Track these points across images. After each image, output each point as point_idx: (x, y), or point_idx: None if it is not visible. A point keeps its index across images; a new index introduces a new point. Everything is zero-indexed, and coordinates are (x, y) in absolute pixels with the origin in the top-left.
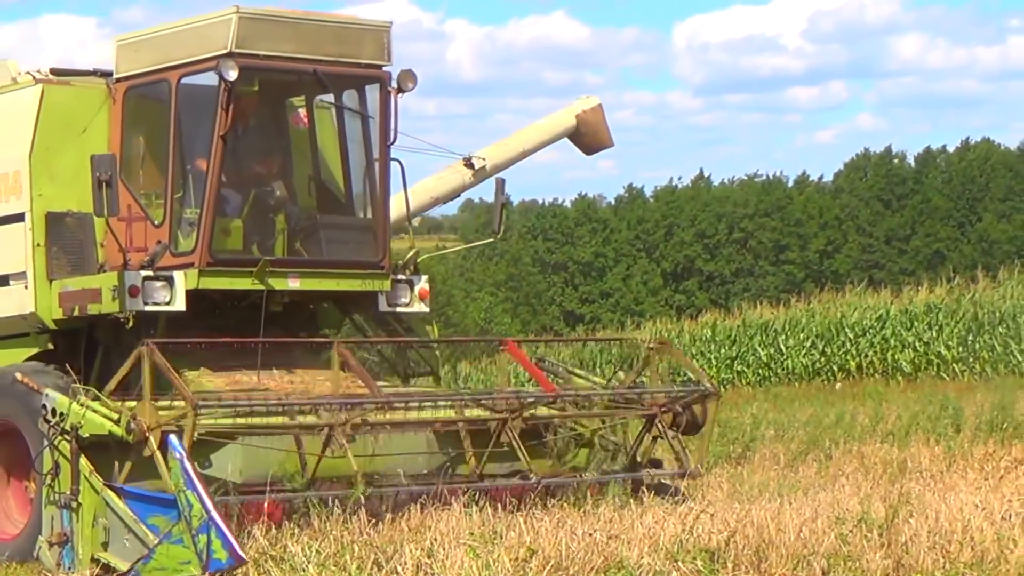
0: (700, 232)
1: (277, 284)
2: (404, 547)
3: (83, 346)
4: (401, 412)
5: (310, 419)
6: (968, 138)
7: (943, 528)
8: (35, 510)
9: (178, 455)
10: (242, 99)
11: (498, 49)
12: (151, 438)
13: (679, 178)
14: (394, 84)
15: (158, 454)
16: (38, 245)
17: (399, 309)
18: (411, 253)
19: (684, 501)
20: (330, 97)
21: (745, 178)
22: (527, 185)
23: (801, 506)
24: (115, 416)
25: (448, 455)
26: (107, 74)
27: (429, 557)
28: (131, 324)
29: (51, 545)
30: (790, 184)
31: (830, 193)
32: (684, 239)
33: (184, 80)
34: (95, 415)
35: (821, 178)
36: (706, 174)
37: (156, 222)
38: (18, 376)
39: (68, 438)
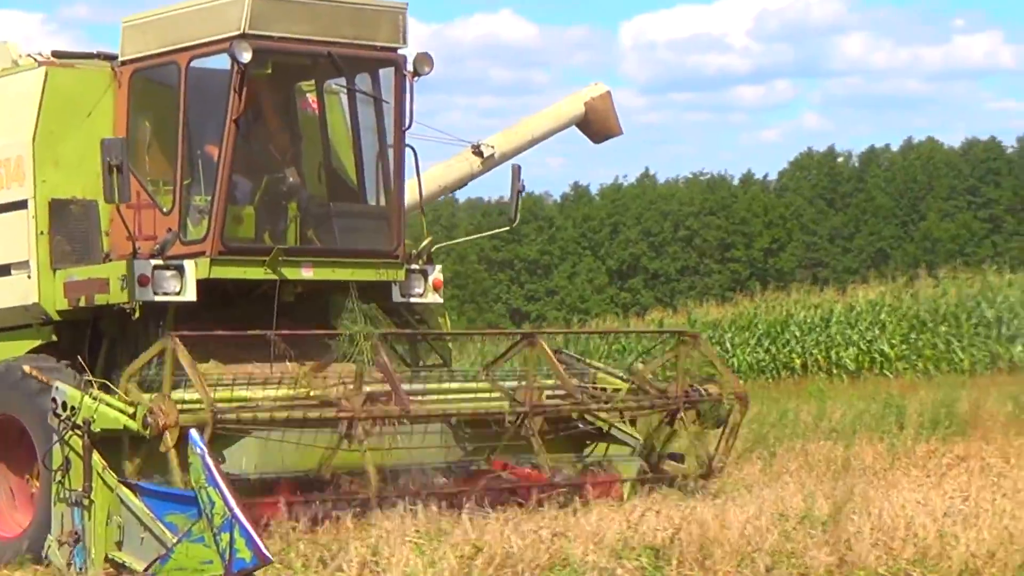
0: (646, 230)
1: (290, 274)
2: (349, 545)
3: (88, 338)
4: (425, 404)
5: (328, 412)
6: (911, 137)
7: (886, 525)
8: (39, 508)
9: (199, 451)
10: (253, 82)
11: (445, 47)
12: (168, 433)
13: (625, 176)
14: (410, 67)
15: (173, 451)
16: (41, 233)
17: (413, 300)
18: (426, 242)
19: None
20: (343, 81)
21: (691, 176)
22: (473, 183)
23: (745, 503)
24: (130, 410)
25: (464, 449)
26: (110, 57)
27: (374, 555)
28: (138, 315)
29: (61, 544)
30: (735, 183)
31: (775, 192)
32: (630, 237)
33: (194, 63)
34: (109, 409)
35: (766, 177)
36: (652, 172)
37: (164, 209)
38: (26, 369)
39: (80, 433)
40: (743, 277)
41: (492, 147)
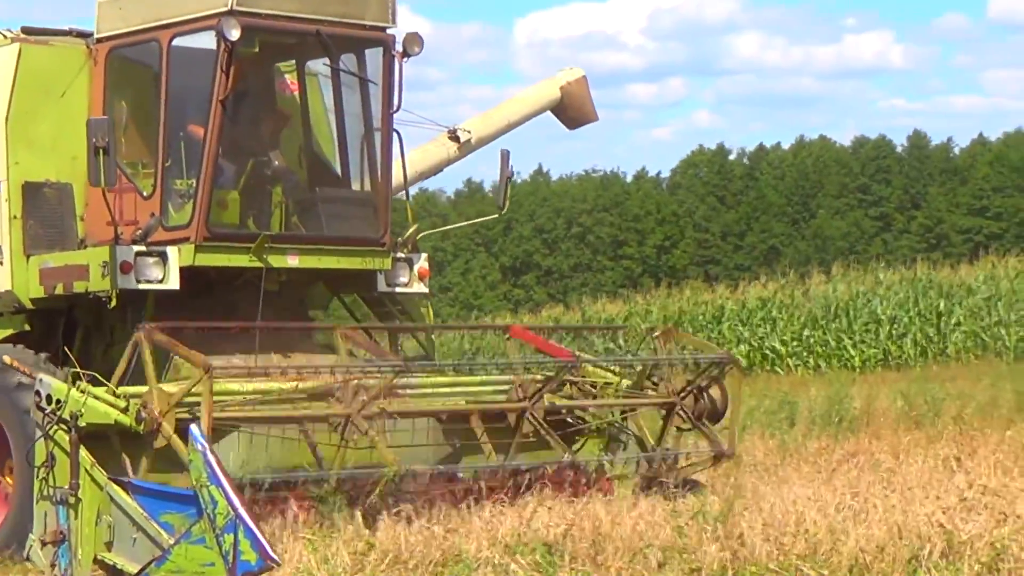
0: (538, 227)
1: (275, 261)
2: None
3: (62, 327)
4: (417, 400)
5: (319, 407)
6: (803, 136)
7: (777, 520)
8: (14, 506)
9: (200, 447)
10: (239, 62)
11: None
12: (165, 425)
13: (518, 173)
14: (399, 47)
15: (176, 440)
16: (14, 217)
17: (398, 289)
18: (411, 229)
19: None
20: (327, 61)
21: (584, 174)
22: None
23: (638, 499)
24: (122, 404)
25: (454, 446)
26: (85, 35)
27: None
28: (114, 303)
29: (44, 544)
30: (628, 180)
31: (667, 189)
32: (523, 234)
33: (175, 41)
34: (98, 403)
35: (659, 174)
36: (545, 170)
37: (144, 193)
38: (7, 359)
39: (66, 427)
40: (636, 274)
41: (468, 132)
